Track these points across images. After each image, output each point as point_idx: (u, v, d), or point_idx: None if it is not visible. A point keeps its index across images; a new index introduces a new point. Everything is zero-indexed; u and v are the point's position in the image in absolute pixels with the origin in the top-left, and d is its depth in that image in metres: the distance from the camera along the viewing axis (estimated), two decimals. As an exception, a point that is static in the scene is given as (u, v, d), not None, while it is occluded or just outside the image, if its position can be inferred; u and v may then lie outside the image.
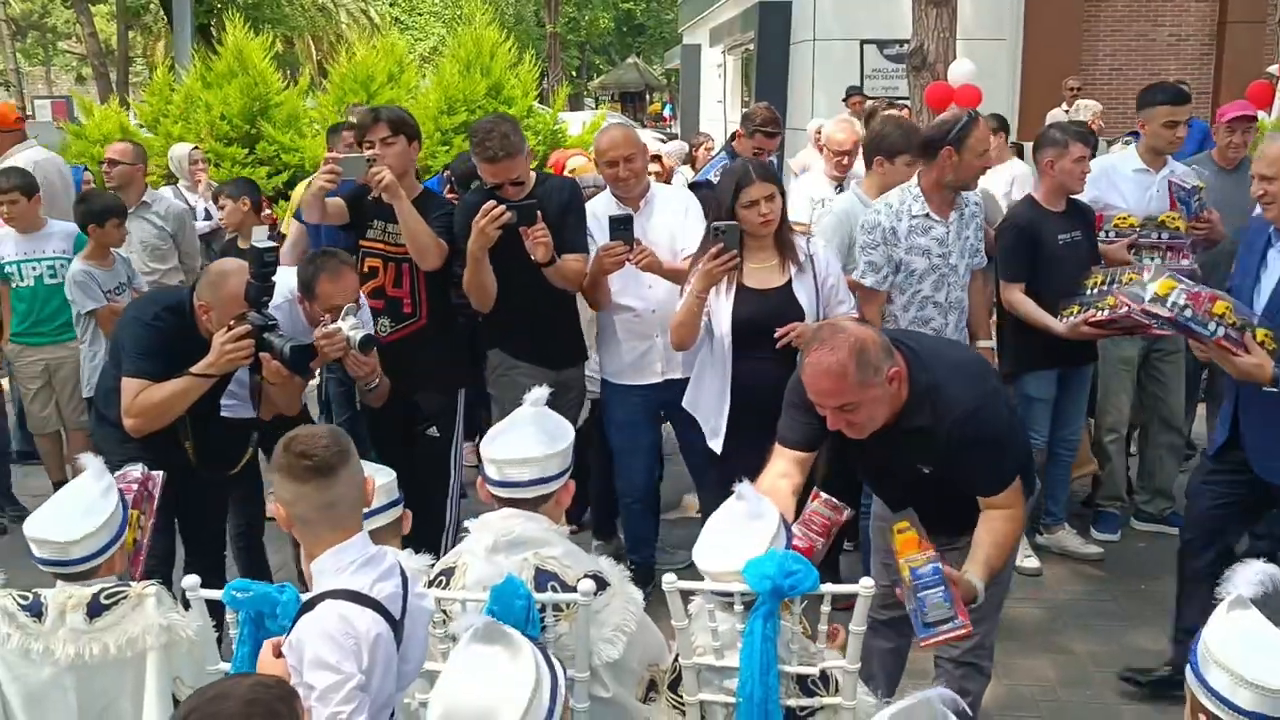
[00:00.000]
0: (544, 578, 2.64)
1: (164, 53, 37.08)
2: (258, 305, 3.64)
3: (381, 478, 2.84)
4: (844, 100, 12.55)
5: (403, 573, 2.32)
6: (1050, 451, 5.24)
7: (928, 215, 4.41)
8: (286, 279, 4.00)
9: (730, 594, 2.59)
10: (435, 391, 4.60)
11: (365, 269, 4.52)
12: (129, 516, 2.88)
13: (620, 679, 2.72)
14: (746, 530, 2.62)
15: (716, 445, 4.27)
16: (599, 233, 4.48)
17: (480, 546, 2.70)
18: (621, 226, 4.28)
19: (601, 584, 2.66)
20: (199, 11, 21.34)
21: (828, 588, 2.62)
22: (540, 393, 2.90)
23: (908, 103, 10.60)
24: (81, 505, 2.74)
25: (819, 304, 4.14)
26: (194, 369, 3.60)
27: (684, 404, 4.42)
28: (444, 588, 2.71)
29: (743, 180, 4.05)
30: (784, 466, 3.10)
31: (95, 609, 2.62)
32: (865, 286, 4.48)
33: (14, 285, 5.68)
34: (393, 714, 2.30)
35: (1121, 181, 5.22)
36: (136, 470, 3.13)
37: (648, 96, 45.57)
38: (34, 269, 5.65)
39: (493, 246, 4.20)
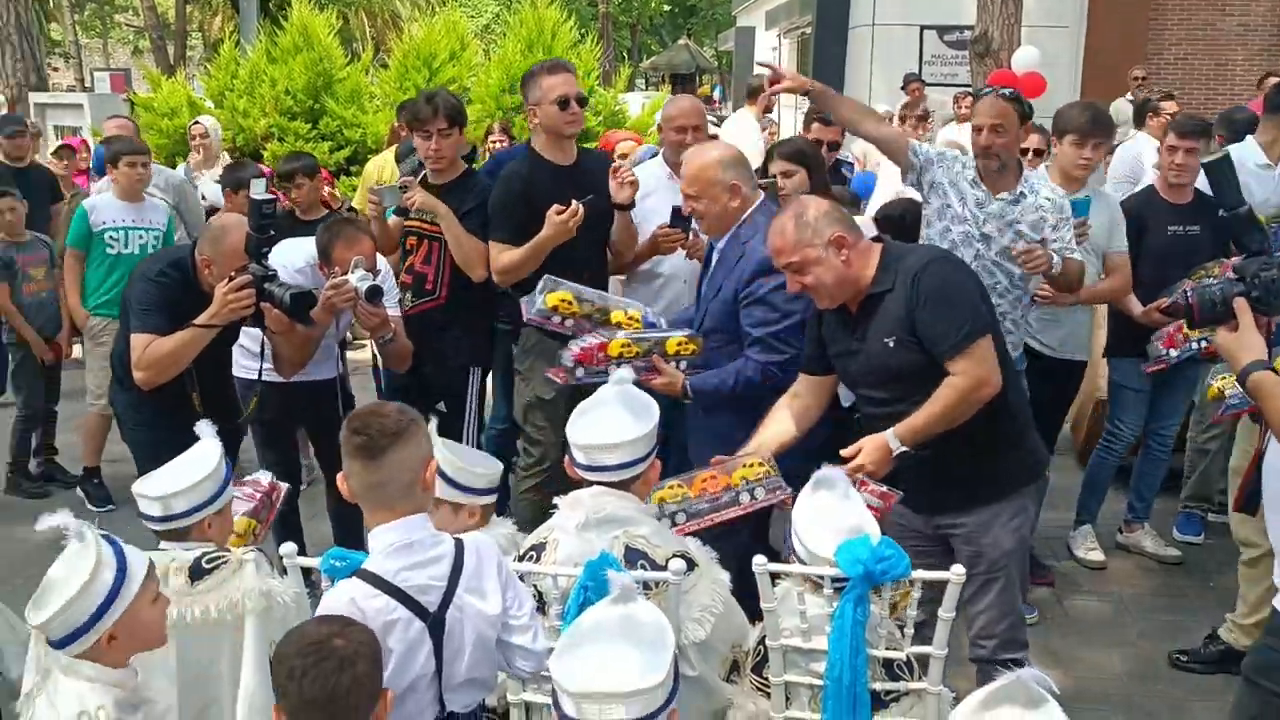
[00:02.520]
0: (633, 555, 2.67)
1: (221, 27, 37.42)
2: (258, 257, 3.71)
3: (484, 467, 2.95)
4: (902, 88, 12.43)
5: (457, 567, 2.31)
6: (1144, 444, 5.18)
7: (975, 182, 4.14)
8: (308, 246, 4.18)
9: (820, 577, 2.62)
10: (446, 368, 4.68)
11: (407, 245, 4.68)
12: (245, 525, 2.94)
13: (706, 658, 2.75)
14: (839, 514, 2.65)
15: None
16: (652, 186, 4.54)
17: (571, 523, 2.73)
18: (679, 214, 4.39)
19: (690, 564, 2.68)
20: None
21: (919, 574, 2.64)
22: (625, 373, 2.92)
23: (970, 90, 10.50)
24: (187, 466, 2.81)
25: None
26: (198, 320, 3.69)
27: None
28: (535, 562, 2.74)
29: (769, 155, 4.38)
30: (799, 387, 3.44)
31: (197, 572, 2.68)
32: None
33: (115, 252, 5.69)
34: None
35: (1246, 177, 5.10)
36: (266, 479, 3.19)
37: (698, 79, 45.41)
38: (140, 237, 5.72)
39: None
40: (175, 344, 3.71)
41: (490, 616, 2.32)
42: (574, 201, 4.15)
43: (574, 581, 2.57)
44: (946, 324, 3.03)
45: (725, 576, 2.80)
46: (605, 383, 3.06)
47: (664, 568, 2.62)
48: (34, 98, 12.10)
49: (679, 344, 3.66)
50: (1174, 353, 4.60)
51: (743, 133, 9.27)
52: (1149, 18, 15.71)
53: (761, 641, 2.74)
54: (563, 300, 3.68)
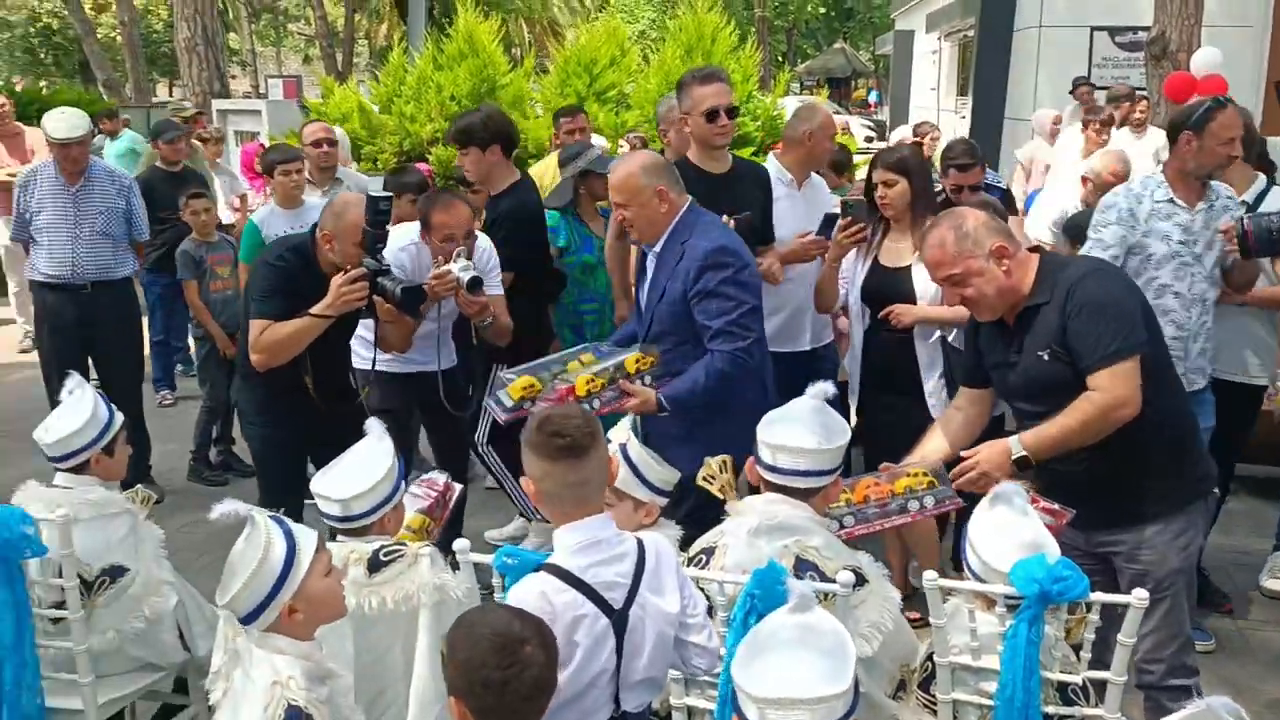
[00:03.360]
0: (804, 567, 2.65)
1: (386, 35, 38.68)
2: (372, 251, 3.85)
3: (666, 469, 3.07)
4: (1071, 91, 12.02)
5: (640, 565, 2.35)
6: None
7: (1171, 201, 4.17)
8: (409, 230, 4.42)
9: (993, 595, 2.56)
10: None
11: None
12: (420, 522, 3.04)
13: (872, 675, 2.71)
14: (1016, 529, 2.58)
15: (852, 401, 4.53)
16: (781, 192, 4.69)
17: (742, 529, 2.73)
18: (830, 224, 4.46)
19: (860, 579, 2.65)
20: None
21: (1097, 596, 2.56)
22: (823, 387, 2.91)
23: (1144, 94, 10.10)
24: (361, 465, 2.91)
25: (939, 290, 4.01)
26: (313, 310, 3.81)
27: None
28: (703, 568, 2.75)
29: (872, 163, 4.44)
30: (960, 400, 3.46)
31: (375, 564, 2.78)
32: None
33: None
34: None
35: None
36: (441, 478, 3.30)
37: (854, 82, 44.90)
38: None
39: None
40: (291, 330, 3.84)
41: (669, 615, 2.36)
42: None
43: (740, 589, 2.57)
44: (1096, 337, 2.97)
45: (896, 595, 2.77)
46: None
47: (834, 580, 2.60)
48: (216, 104, 12.70)
49: (637, 361, 3.68)
50: None
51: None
52: (1340, 16, 14.84)
53: (929, 658, 2.70)
54: (526, 387, 3.63)
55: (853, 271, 4.42)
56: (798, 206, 4.76)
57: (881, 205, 4.32)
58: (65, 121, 5.59)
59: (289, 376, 3.96)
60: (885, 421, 4.33)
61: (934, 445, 3.35)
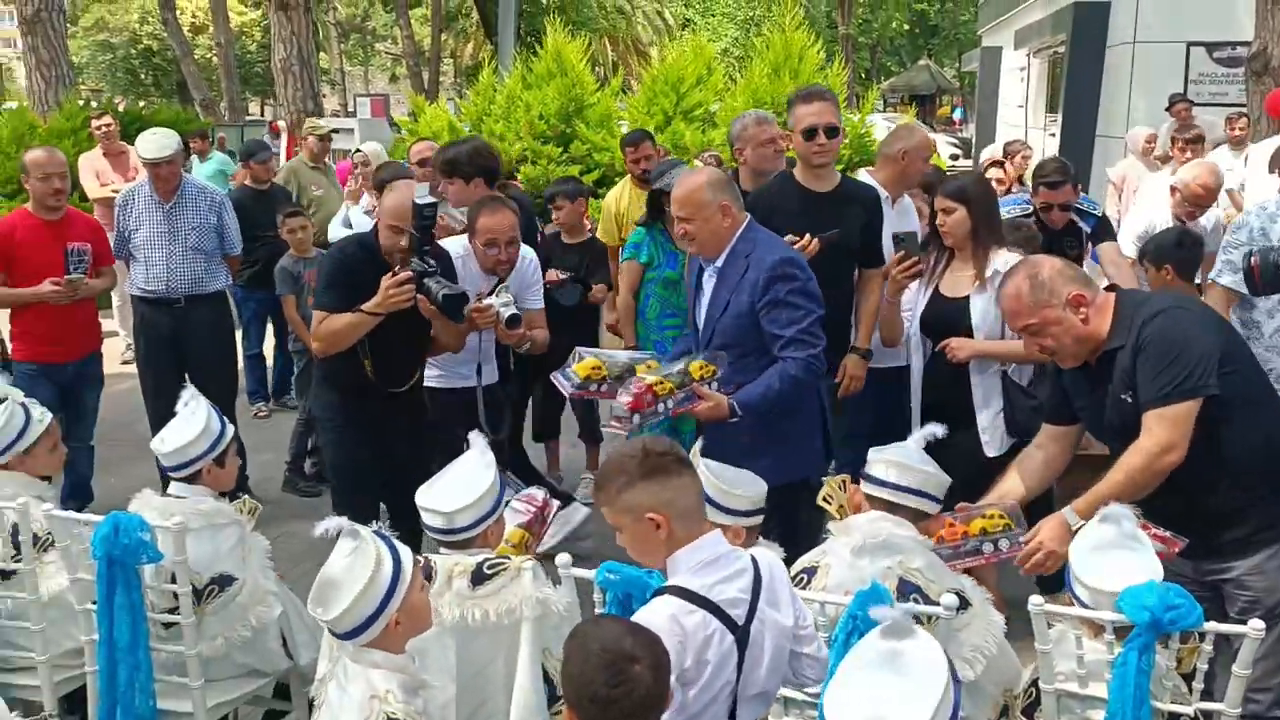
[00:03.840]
0: (907, 588, 2.64)
1: (472, 54, 39.25)
2: (419, 253, 4.02)
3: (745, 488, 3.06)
4: (1167, 109, 11.79)
5: (757, 580, 2.37)
6: None
7: None
8: (460, 240, 4.58)
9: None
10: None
11: None
12: (519, 536, 3.08)
13: (974, 699, 2.69)
14: (1125, 555, 2.54)
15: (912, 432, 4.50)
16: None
17: (845, 548, 2.73)
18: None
19: (964, 602, 2.63)
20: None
21: (1211, 626, 2.50)
22: (933, 429, 2.97)
23: (1244, 111, 9.87)
24: (465, 479, 2.96)
25: (998, 322, 4.02)
26: (364, 307, 4.01)
27: None
28: (803, 587, 2.75)
29: (933, 191, 4.40)
30: (1041, 438, 3.39)
31: (478, 577, 2.81)
32: (1220, 285, 4.27)
33: None
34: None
35: None
36: (540, 494, 3.34)
37: (938, 99, 44.48)
38: None
39: None
40: (344, 324, 4.03)
41: (785, 628, 2.39)
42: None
43: (842, 610, 2.57)
44: (1153, 377, 2.93)
45: (1000, 619, 2.74)
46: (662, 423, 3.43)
47: (937, 603, 2.58)
48: (310, 123, 12.98)
49: (700, 369, 3.68)
50: None
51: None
52: None
53: (1034, 684, 2.66)
54: (593, 369, 3.75)
55: (914, 301, 4.38)
56: (888, 224, 4.73)
57: (942, 234, 4.25)
58: (155, 142, 5.77)
59: (356, 378, 4.13)
60: (938, 456, 4.21)
61: (1010, 486, 3.32)
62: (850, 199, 4.49)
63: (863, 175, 4.91)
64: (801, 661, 2.46)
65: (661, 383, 3.59)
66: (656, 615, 2.27)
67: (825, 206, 4.40)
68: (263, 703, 3.64)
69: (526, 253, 4.75)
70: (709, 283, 3.90)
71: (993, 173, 6.72)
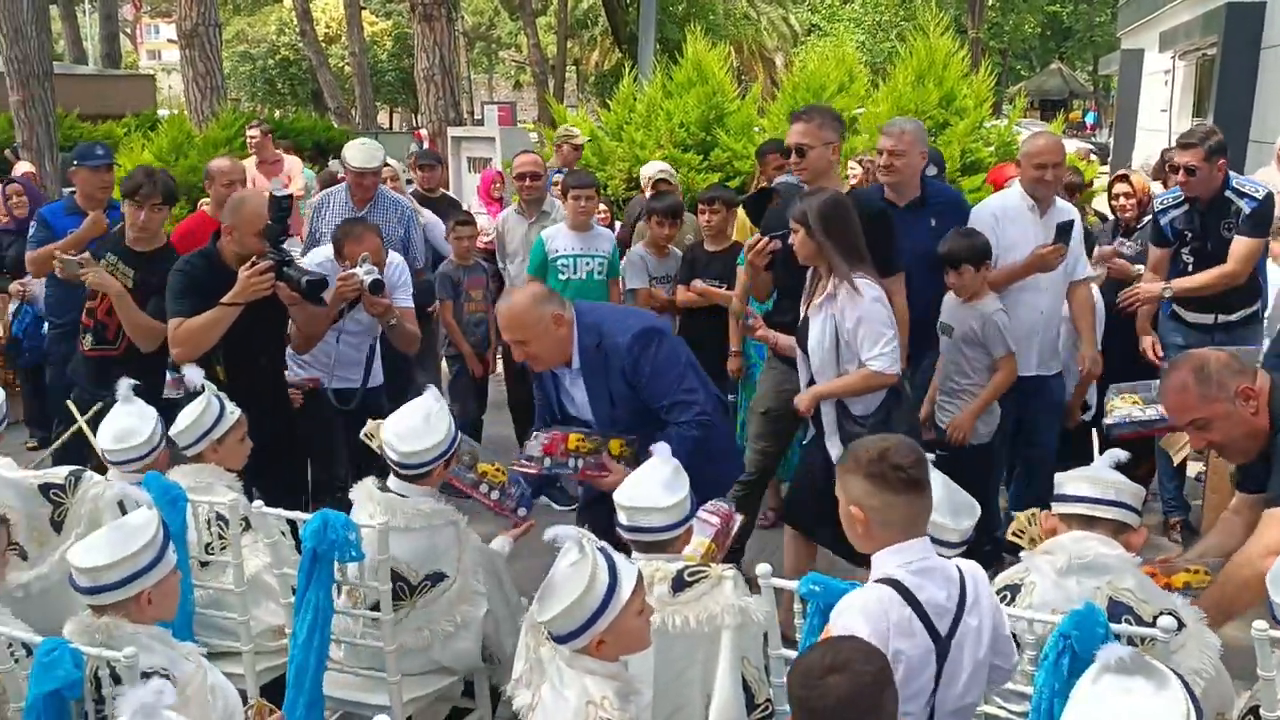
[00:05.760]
0: (1118, 609, 2.60)
1: (598, 62, 39.63)
2: (276, 244, 4.27)
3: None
4: (1330, 112, 11.30)
5: (963, 591, 2.37)
6: None
7: None
8: (325, 249, 4.99)
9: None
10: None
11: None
12: (706, 547, 3.11)
13: (1195, 723, 2.62)
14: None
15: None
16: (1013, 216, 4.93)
17: (1050, 567, 2.70)
18: (1063, 233, 4.76)
19: (1179, 623, 2.57)
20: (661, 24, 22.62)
21: None
22: (1117, 453, 2.93)
23: None
24: (659, 481, 3.01)
25: (832, 345, 4.12)
26: (223, 299, 4.19)
27: None
28: (1008, 604, 2.72)
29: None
30: (1237, 504, 3.34)
31: (679, 584, 2.86)
32: None
33: (564, 278, 6.12)
34: None
35: None
36: (725, 506, 3.39)
37: (1069, 104, 43.35)
38: (587, 264, 6.16)
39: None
40: (203, 321, 4.21)
41: (985, 640, 2.38)
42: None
43: (1050, 629, 2.54)
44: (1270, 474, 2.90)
45: (1216, 640, 2.67)
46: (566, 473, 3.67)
47: (1150, 625, 2.53)
48: (451, 131, 13.26)
49: (621, 446, 3.75)
50: None
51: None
52: None
53: (1253, 710, 2.58)
54: (579, 440, 3.79)
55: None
56: (1035, 230, 4.89)
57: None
58: (364, 152, 6.02)
59: (246, 382, 4.28)
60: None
61: (1214, 544, 3.29)
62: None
63: (1015, 185, 5.07)
64: (995, 672, 2.46)
65: (583, 441, 3.73)
66: (866, 598, 2.31)
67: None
68: (448, 700, 3.74)
69: (394, 258, 5.08)
70: (575, 387, 3.90)
71: (1118, 188, 6.08)
